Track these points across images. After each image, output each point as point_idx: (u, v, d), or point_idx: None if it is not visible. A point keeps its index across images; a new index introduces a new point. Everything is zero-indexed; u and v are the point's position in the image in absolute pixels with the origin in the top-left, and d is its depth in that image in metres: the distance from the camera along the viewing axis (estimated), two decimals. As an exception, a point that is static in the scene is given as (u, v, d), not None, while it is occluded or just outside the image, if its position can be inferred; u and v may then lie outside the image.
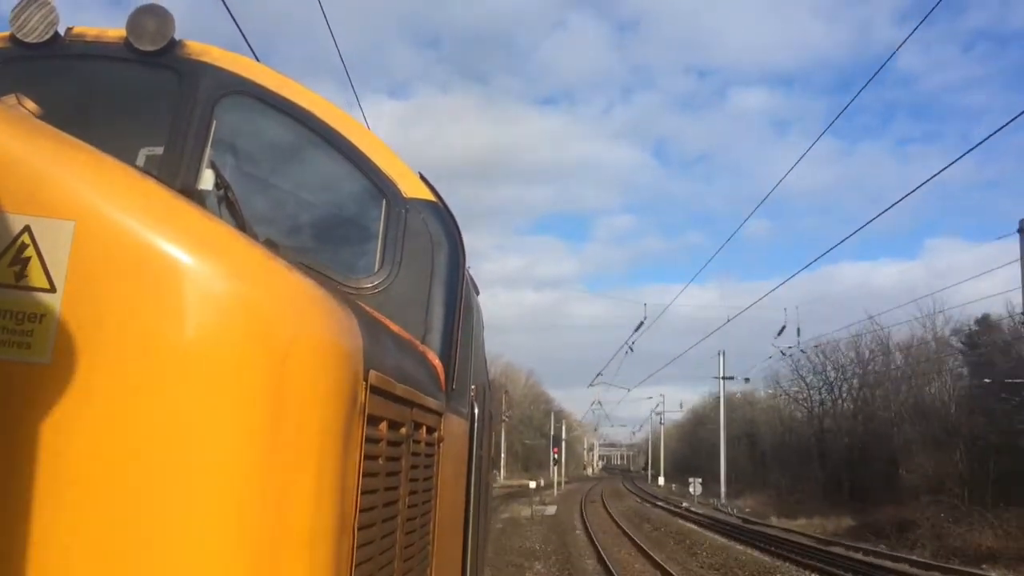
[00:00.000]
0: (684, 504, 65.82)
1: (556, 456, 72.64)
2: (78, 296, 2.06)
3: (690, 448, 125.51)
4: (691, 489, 67.76)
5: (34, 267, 2.05)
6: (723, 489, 69.94)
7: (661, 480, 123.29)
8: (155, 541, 2.04)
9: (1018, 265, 30.57)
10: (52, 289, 2.06)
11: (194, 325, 2.10)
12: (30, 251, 2.05)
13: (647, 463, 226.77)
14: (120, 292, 2.08)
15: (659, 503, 71.88)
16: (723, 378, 73.73)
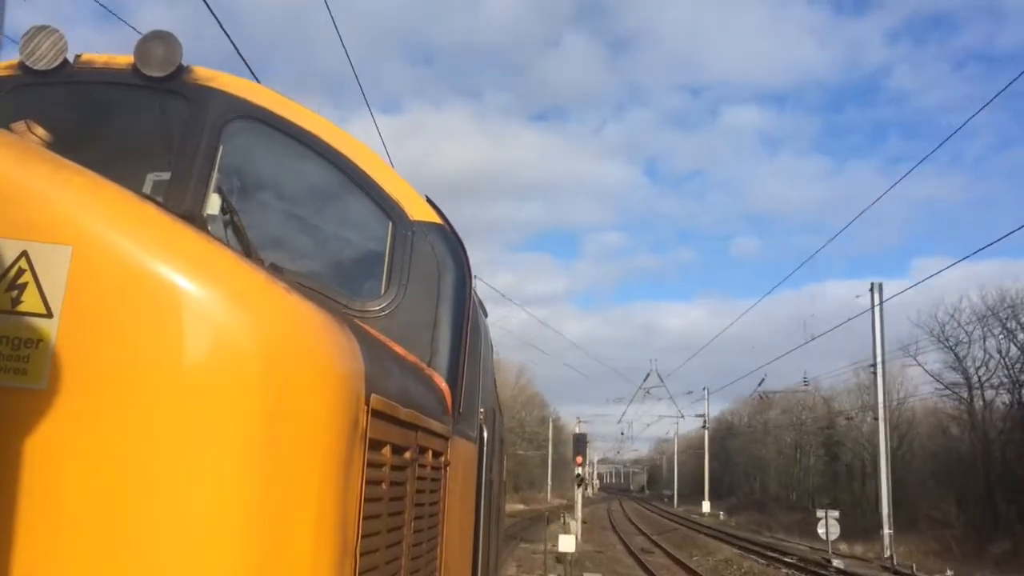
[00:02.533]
0: (833, 561, 35.64)
1: (579, 471, 40.90)
2: (75, 322, 2.05)
3: (718, 463, 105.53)
4: (823, 529, 38.36)
5: (31, 292, 2.05)
6: (887, 531, 40.59)
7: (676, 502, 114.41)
8: (153, 568, 2.02)
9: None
10: (49, 314, 2.05)
11: (191, 350, 2.09)
12: (27, 276, 2.04)
13: (648, 481, 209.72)
14: (117, 317, 2.07)
15: (768, 553, 40.81)
16: (707, 419, 69.68)
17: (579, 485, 44.56)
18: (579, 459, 41.73)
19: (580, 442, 43.29)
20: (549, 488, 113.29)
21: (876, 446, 44.42)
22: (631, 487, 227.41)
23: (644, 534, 56.69)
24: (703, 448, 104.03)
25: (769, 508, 67.77)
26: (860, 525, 48.91)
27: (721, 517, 75.21)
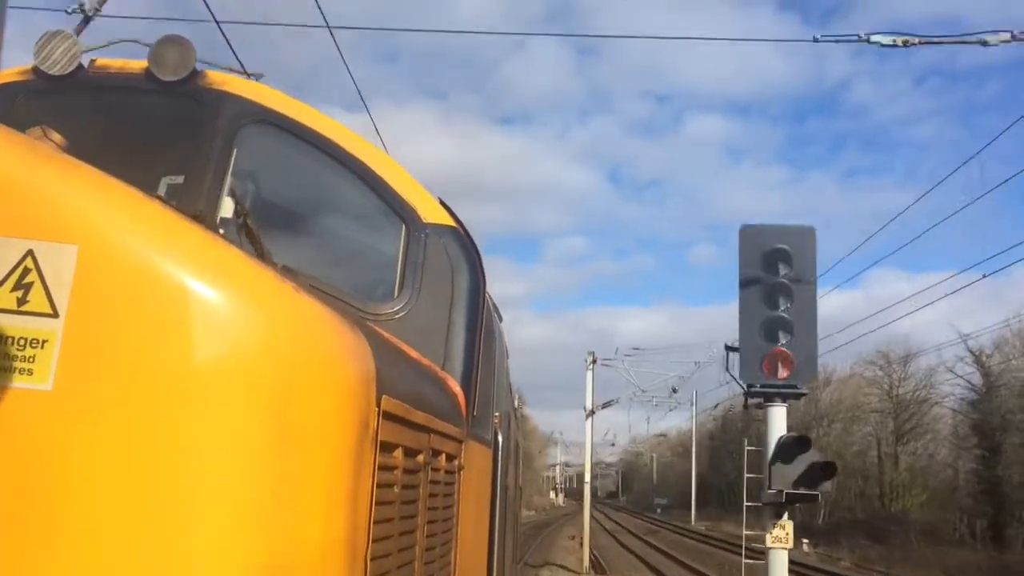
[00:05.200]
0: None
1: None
2: (81, 321, 2.04)
3: (711, 468, 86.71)
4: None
5: (37, 292, 2.03)
6: None
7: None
8: (161, 570, 2.00)
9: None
10: (55, 314, 2.03)
11: (198, 350, 2.07)
12: (33, 276, 2.03)
13: (621, 486, 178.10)
14: (123, 317, 2.05)
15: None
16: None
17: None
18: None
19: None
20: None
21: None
22: (598, 492, 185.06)
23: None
24: (703, 444, 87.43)
25: (887, 532, 45.40)
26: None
27: (807, 548, 45.21)
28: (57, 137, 3.40)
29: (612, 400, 46.51)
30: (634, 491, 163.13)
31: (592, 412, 40.37)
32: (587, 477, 41.51)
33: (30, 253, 2.03)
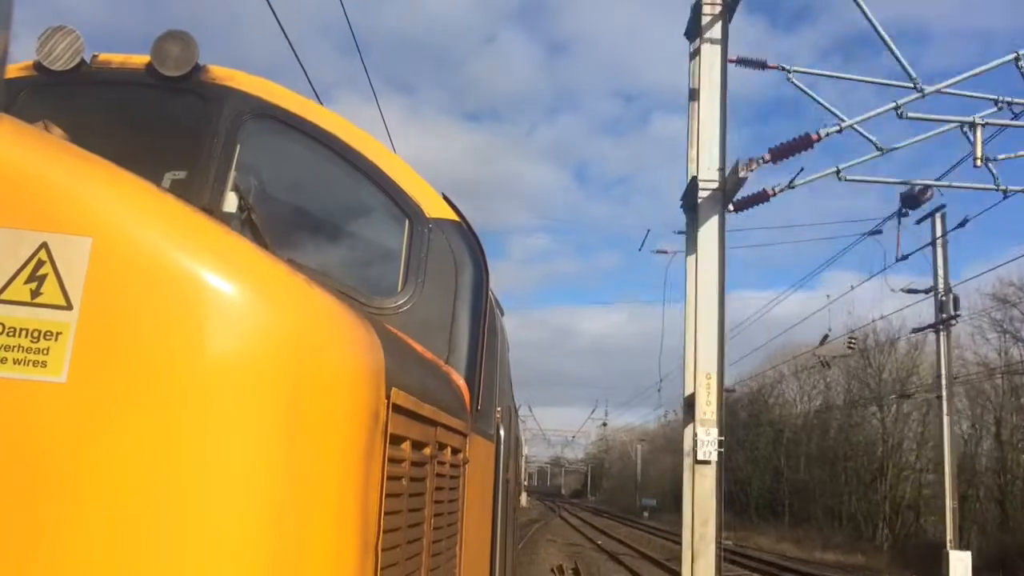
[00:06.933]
0: None
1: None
2: (95, 314, 2.04)
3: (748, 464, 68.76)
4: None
5: (51, 284, 2.03)
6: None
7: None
8: (173, 562, 2.00)
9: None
10: (69, 307, 2.04)
11: (212, 342, 2.07)
12: (47, 268, 2.03)
13: (591, 483, 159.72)
14: (137, 309, 2.05)
15: None
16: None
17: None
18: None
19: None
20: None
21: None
22: (562, 491, 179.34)
23: None
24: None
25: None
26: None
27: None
28: (59, 132, 3.39)
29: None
30: (604, 489, 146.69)
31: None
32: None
33: (44, 245, 2.04)
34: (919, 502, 51.46)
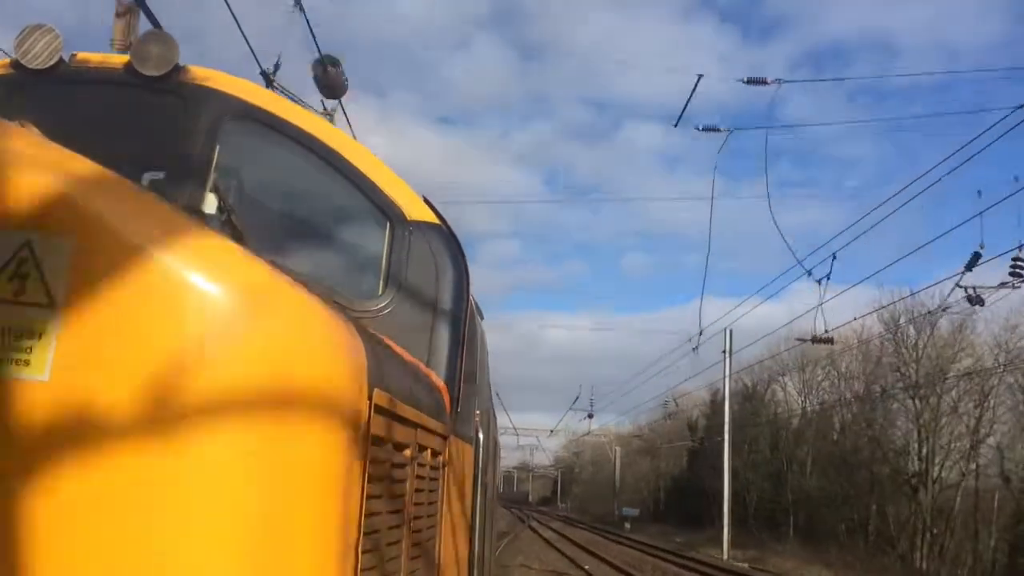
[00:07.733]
0: None
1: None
2: (78, 312, 2.03)
3: (691, 471, 74.23)
4: None
5: (33, 283, 2.03)
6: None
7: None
8: (153, 563, 2.00)
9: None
10: (51, 305, 2.03)
11: (194, 342, 2.07)
12: (29, 266, 2.02)
13: (557, 492, 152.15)
14: (120, 308, 2.05)
15: None
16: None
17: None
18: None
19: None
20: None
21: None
22: (530, 498, 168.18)
23: None
24: (679, 435, 73.08)
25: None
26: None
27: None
28: (35, 131, 3.37)
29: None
30: (573, 496, 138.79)
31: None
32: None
33: (27, 244, 2.03)
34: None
